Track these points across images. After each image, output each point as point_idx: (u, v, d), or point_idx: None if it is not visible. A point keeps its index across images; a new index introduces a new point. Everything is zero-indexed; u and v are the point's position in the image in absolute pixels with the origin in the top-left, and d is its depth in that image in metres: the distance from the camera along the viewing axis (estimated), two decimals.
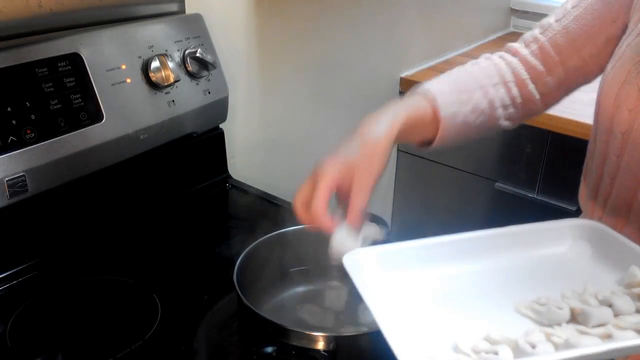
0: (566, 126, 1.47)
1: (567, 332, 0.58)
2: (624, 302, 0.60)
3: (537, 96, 0.87)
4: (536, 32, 0.87)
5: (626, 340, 0.56)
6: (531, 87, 0.86)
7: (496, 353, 0.55)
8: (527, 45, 0.88)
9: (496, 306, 0.64)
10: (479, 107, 0.82)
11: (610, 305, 0.60)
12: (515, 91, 0.86)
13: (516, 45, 0.89)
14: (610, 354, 0.55)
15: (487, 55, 0.90)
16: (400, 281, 0.67)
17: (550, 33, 0.85)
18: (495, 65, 0.87)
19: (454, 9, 1.90)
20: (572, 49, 0.84)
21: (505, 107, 0.85)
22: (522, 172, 1.66)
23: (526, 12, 2.19)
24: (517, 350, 0.56)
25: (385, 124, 0.72)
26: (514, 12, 2.23)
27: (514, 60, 0.87)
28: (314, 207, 0.67)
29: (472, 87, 0.82)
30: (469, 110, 0.80)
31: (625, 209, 0.79)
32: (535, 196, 1.64)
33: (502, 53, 0.90)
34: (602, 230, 0.71)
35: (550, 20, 0.86)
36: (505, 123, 0.87)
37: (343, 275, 0.87)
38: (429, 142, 0.81)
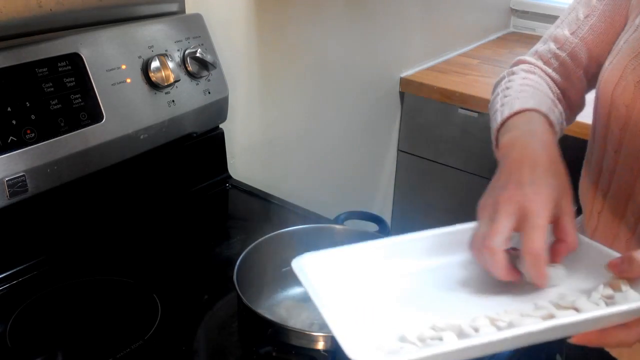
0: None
1: (511, 316, 0.58)
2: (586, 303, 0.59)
3: (568, 109, 0.87)
4: (552, 47, 0.86)
5: (565, 317, 0.56)
6: (564, 102, 0.86)
7: (441, 339, 0.55)
8: (546, 63, 0.87)
9: (449, 300, 0.64)
10: (560, 120, 0.80)
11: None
12: (562, 105, 0.85)
13: (535, 62, 0.87)
14: (550, 333, 0.55)
15: (524, 67, 0.86)
16: (354, 281, 0.66)
17: (568, 47, 0.85)
18: (542, 79, 0.85)
19: (454, 9, 1.90)
20: (592, 59, 0.84)
21: (563, 120, 0.84)
22: None
23: (526, 12, 2.20)
24: (461, 335, 0.55)
25: (552, 145, 0.67)
26: (514, 12, 2.23)
27: (545, 76, 0.86)
28: (537, 249, 0.58)
29: (549, 101, 0.79)
30: (560, 125, 0.79)
31: (623, 204, 0.80)
32: None
33: (530, 67, 0.87)
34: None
35: (564, 32, 0.85)
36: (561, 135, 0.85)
37: None
38: None
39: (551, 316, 0.57)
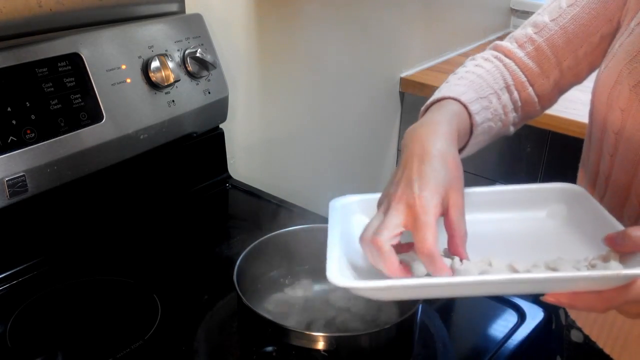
0: (566, 126, 1.47)
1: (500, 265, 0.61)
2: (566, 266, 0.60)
3: (535, 99, 0.85)
4: (529, 31, 0.85)
5: (536, 273, 0.58)
6: (530, 90, 0.84)
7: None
8: (520, 46, 0.85)
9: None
10: (497, 112, 0.79)
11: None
12: (516, 95, 0.83)
13: (508, 46, 0.86)
14: (520, 285, 0.58)
15: (484, 55, 0.86)
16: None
17: (546, 33, 0.83)
18: (497, 67, 0.84)
19: (454, 9, 1.90)
20: (569, 49, 0.83)
21: (511, 111, 0.83)
22: (522, 172, 1.66)
23: (526, 12, 2.19)
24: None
25: (448, 135, 0.67)
26: (514, 12, 2.23)
27: (511, 63, 0.84)
28: (428, 249, 0.58)
29: (487, 92, 0.79)
30: (490, 117, 0.78)
31: (619, 207, 0.80)
32: None
33: (497, 54, 0.86)
34: (580, 194, 0.72)
35: (544, 19, 0.84)
36: (512, 128, 0.85)
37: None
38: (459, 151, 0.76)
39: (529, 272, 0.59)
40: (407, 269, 0.61)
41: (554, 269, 0.60)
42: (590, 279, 0.55)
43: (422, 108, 0.76)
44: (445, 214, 0.62)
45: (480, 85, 0.78)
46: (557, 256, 0.62)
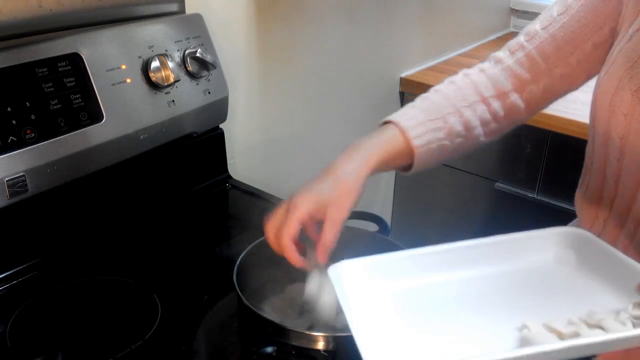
0: (566, 126, 1.47)
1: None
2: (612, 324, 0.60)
3: (522, 105, 0.86)
4: (521, 39, 0.87)
5: (591, 337, 0.57)
6: (514, 97, 0.85)
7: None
8: (512, 53, 0.87)
9: (478, 316, 0.65)
10: (454, 130, 0.82)
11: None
12: (496, 105, 0.85)
13: (500, 55, 0.88)
14: (575, 351, 0.56)
15: (466, 70, 0.89)
16: (383, 291, 0.69)
17: (536, 41, 0.85)
18: (472, 82, 0.85)
19: (454, 9, 1.90)
20: (559, 56, 0.84)
21: (485, 123, 0.84)
22: (522, 172, 1.66)
23: (526, 12, 2.19)
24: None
25: (359, 162, 0.75)
26: (514, 12, 2.23)
27: (496, 72, 0.86)
28: (283, 239, 0.70)
29: (446, 111, 0.82)
30: (443, 136, 0.81)
31: (625, 211, 0.80)
32: (535, 196, 1.64)
33: (484, 65, 0.89)
34: (587, 238, 0.71)
35: (535, 27, 0.86)
36: (485, 139, 0.86)
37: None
38: (407, 168, 0.82)
39: (577, 334, 0.58)
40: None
41: (598, 326, 0.59)
42: None
43: (380, 121, 0.83)
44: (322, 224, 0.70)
45: (438, 106, 0.83)
46: (589, 309, 0.62)
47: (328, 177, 0.74)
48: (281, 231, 0.70)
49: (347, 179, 0.73)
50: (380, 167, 0.76)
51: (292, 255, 0.71)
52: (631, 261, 0.65)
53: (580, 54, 0.83)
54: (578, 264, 0.71)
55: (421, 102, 0.84)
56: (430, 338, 0.62)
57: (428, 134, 0.79)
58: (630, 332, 0.57)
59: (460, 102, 0.83)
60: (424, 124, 0.80)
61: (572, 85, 0.86)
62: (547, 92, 0.86)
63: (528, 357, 0.54)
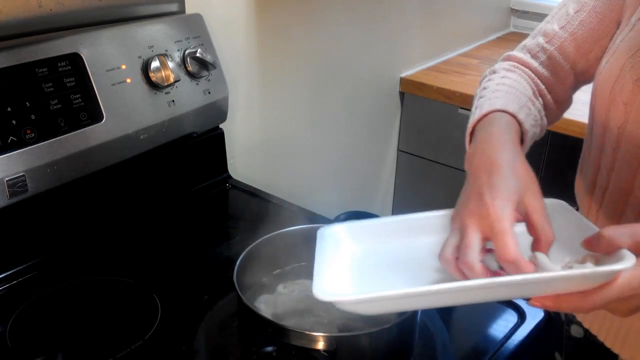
0: (566, 126, 1.47)
1: None
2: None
3: (554, 105, 0.87)
4: (541, 41, 0.86)
5: (514, 276, 0.57)
6: (549, 97, 0.86)
7: None
8: (534, 57, 0.87)
9: (429, 273, 0.66)
10: (537, 118, 0.80)
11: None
12: (541, 101, 0.85)
13: (522, 57, 0.87)
14: (501, 289, 0.58)
15: (504, 66, 0.87)
16: (352, 250, 0.73)
17: (557, 41, 0.85)
18: (521, 76, 0.85)
19: (454, 9, 1.90)
20: (580, 54, 0.84)
21: (544, 116, 0.84)
22: None
23: (526, 12, 2.20)
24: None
25: (514, 147, 0.68)
26: (514, 12, 2.23)
27: (529, 72, 0.86)
28: (512, 256, 0.57)
29: (524, 100, 0.79)
30: (533, 123, 0.78)
31: (622, 201, 0.80)
32: None
33: (514, 64, 0.87)
34: (562, 206, 0.71)
35: (553, 27, 0.85)
36: (541, 134, 0.85)
37: None
38: None
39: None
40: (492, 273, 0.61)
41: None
42: (569, 279, 0.56)
43: (469, 127, 0.76)
44: (526, 219, 0.61)
45: (516, 94, 0.79)
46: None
47: (502, 173, 0.63)
48: (503, 253, 0.57)
49: (521, 166, 0.65)
50: None
51: (527, 266, 0.58)
52: (592, 225, 0.64)
53: (599, 50, 0.83)
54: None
55: (495, 92, 0.79)
56: (376, 283, 0.67)
57: (527, 119, 0.76)
58: (553, 273, 0.56)
59: (527, 92, 0.82)
60: (521, 109, 0.76)
61: (590, 79, 0.86)
62: (572, 90, 0.88)
63: (457, 290, 0.57)
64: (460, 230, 0.61)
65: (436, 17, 1.83)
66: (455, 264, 0.60)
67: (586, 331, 0.90)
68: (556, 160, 1.58)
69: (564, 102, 0.89)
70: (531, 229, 0.61)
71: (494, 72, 0.87)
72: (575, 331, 0.92)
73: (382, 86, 1.72)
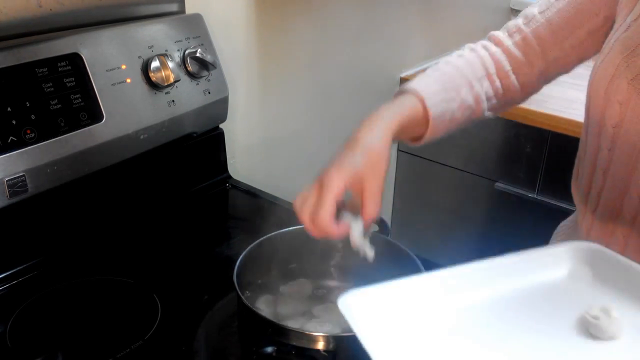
0: (566, 126, 1.47)
1: None
2: None
3: (518, 86, 0.88)
4: (519, 22, 0.88)
5: None
6: (512, 78, 0.87)
7: None
8: (510, 35, 0.88)
9: (501, 338, 0.62)
10: (466, 102, 0.83)
11: None
12: (498, 83, 0.87)
13: (500, 35, 0.89)
14: None
15: (471, 45, 0.90)
16: (398, 318, 0.64)
17: (533, 24, 0.86)
18: (480, 57, 0.87)
19: (453, 9, 1.90)
20: (554, 41, 0.85)
21: (489, 99, 0.87)
22: (522, 172, 1.66)
23: None
24: None
25: (382, 129, 0.75)
26: (514, 12, 2.23)
27: (497, 51, 0.88)
28: (321, 219, 0.68)
29: (458, 82, 0.83)
30: (456, 107, 0.82)
31: (618, 202, 0.80)
32: (535, 196, 1.64)
33: (486, 42, 0.90)
34: (601, 252, 0.70)
35: (534, 10, 0.87)
36: (488, 114, 0.88)
37: (341, 272, 0.88)
38: (418, 138, 0.83)
39: None
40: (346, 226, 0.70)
41: None
42: None
43: (395, 91, 0.84)
44: (361, 194, 0.70)
45: (452, 77, 0.84)
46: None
47: (355, 148, 0.72)
48: (318, 213, 0.68)
49: (375, 147, 0.72)
50: (399, 133, 0.76)
51: (334, 232, 0.68)
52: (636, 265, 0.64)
53: (575, 40, 0.85)
54: (594, 279, 0.69)
55: (433, 72, 0.85)
56: None
57: (443, 103, 0.80)
58: None
59: (470, 75, 0.85)
60: (438, 93, 0.81)
61: (564, 68, 0.88)
62: (541, 75, 0.89)
63: None
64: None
65: (436, 17, 1.83)
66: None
67: None
68: (556, 160, 1.58)
69: (530, 86, 0.90)
70: (361, 206, 0.70)
71: (461, 49, 0.91)
72: None
73: (382, 86, 1.72)
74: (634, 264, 0.67)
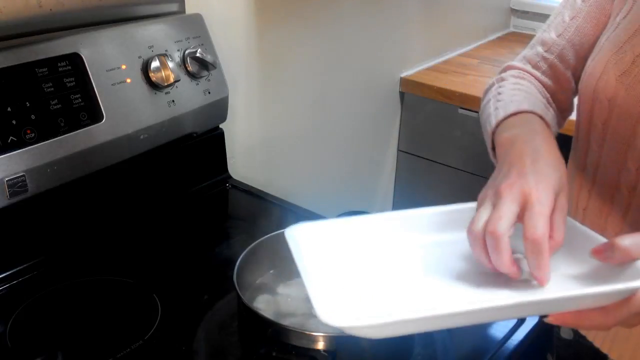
0: (566, 126, 1.46)
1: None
2: None
3: (558, 112, 0.88)
4: (540, 50, 0.87)
5: (537, 294, 0.56)
6: (554, 105, 0.87)
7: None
8: (535, 67, 0.88)
9: (438, 283, 0.63)
10: (554, 124, 0.81)
11: None
12: (553, 107, 0.87)
13: (523, 67, 0.88)
14: (522, 308, 0.56)
15: (511, 73, 0.87)
16: (347, 252, 0.66)
17: (556, 49, 0.86)
18: (531, 83, 0.86)
19: (454, 9, 1.90)
20: (579, 60, 0.85)
21: (555, 125, 0.84)
22: None
23: (526, 12, 2.20)
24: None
25: (554, 142, 0.67)
26: (514, 12, 2.23)
27: (536, 81, 0.87)
28: (539, 236, 0.55)
29: (542, 103, 0.80)
30: (555, 128, 0.81)
31: (609, 198, 0.80)
32: None
33: (519, 72, 0.88)
34: None
35: (551, 35, 0.86)
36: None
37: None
38: None
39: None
40: (517, 265, 0.59)
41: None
42: (592, 297, 0.54)
43: (493, 123, 0.75)
44: (550, 215, 0.59)
45: (534, 98, 0.79)
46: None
47: (544, 157, 0.62)
48: (535, 229, 0.55)
49: (562, 161, 0.63)
50: None
51: (512, 268, 0.57)
52: (586, 229, 0.63)
53: None
54: None
55: (513, 97, 0.78)
56: (384, 295, 0.61)
57: (553, 122, 0.79)
58: (580, 291, 0.56)
59: (540, 97, 0.83)
60: (544, 112, 0.76)
61: None
62: (573, 96, 0.89)
63: (478, 312, 0.54)
64: (494, 201, 0.59)
65: (436, 17, 1.83)
66: (483, 240, 0.57)
67: (575, 332, 0.90)
68: None
69: (567, 110, 0.90)
70: (550, 226, 0.58)
71: (503, 79, 0.86)
72: (564, 332, 0.92)
73: (382, 86, 1.72)
74: (579, 224, 0.65)
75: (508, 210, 0.57)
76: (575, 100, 0.91)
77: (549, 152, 0.64)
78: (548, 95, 0.86)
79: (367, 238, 0.68)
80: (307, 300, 0.84)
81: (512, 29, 2.24)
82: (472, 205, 0.65)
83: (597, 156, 0.81)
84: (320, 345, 0.70)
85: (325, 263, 0.64)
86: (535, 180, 0.59)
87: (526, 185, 0.58)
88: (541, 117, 0.73)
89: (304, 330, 0.72)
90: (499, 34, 2.17)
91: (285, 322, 0.76)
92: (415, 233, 0.69)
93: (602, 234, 0.63)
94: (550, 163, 0.62)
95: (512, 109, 0.74)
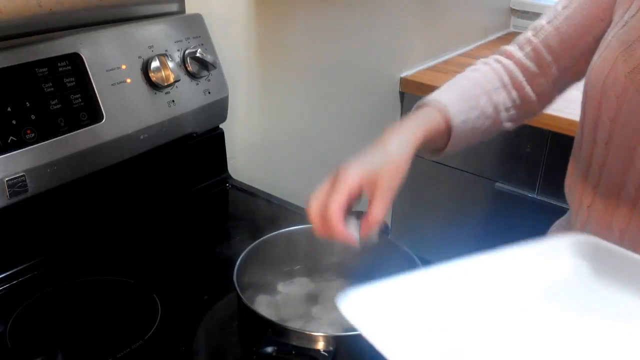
0: (566, 126, 1.47)
1: None
2: None
3: (534, 97, 0.90)
4: (529, 34, 0.90)
5: None
6: (527, 89, 0.89)
7: None
8: (521, 48, 0.91)
9: (504, 333, 0.61)
10: (486, 112, 0.85)
11: None
12: (514, 93, 0.89)
13: (510, 48, 0.92)
14: None
15: (484, 60, 0.92)
16: (399, 315, 0.62)
17: (542, 34, 0.88)
18: (493, 69, 0.90)
19: (453, 9, 1.90)
20: (564, 49, 0.87)
21: (507, 109, 0.88)
22: (522, 172, 1.66)
23: (526, 12, 2.19)
24: None
25: (406, 138, 0.76)
26: (514, 12, 2.23)
27: (510, 63, 0.90)
28: (330, 211, 0.67)
29: (477, 93, 0.85)
30: (476, 116, 0.84)
31: (614, 195, 0.80)
32: (535, 196, 1.64)
33: (498, 56, 0.92)
34: (597, 244, 0.68)
35: (542, 22, 0.89)
36: (507, 125, 0.90)
37: (341, 272, 0.88)
38: (440, 150, 0.84)
39: None
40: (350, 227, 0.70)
41: None
42: None
43: (415, 105, 0.86)
44: (370, 193, 0.70)
45: (470, 87, 0.85)
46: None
47: (377, 150, 0.74)
48: (328, 201, 0.68)
49: (396, 153, 0.74)
50: (422, 146, 0.78)
51: (340, 229, 0.67)
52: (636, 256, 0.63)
53: (583, 47, 0.86)
54: (595, 274, 0.67)
55: (451, 85, 0.87)
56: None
57: (464, 112, 0.82)
58: None
59: (487, 85, 0.87)
60: (458, 102, 0.82)
61: (576, 76, 0.89)
62: (555, 85, 0.90)
63: None
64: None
65: (436, 17, 1.83)
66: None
67: None
68: (556, 160, 1.58)
69: (546, 96, 0.91)
70: (369, 202, 0.70)
71: (474, 64, 0.92)
72: None
73: (382, 86, 1.72)
74: (630, 254, 0.65)
75: (324, 187, 0.71)
76: (574, 97, 0.91)
77: (388, 142, 0.75)
78: (522, 78, 0.88)
79: (419, 297, 0.64)
80: (307, 300, 0.84)
81: (512, 29, 2.24)
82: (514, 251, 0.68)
83: (603, 154, 0.81)
84: (320, 345, 0.70)
85: (387, 330, 0.60)
86: (352, 164, 0.71)
87: (343, 168, 0.71)
88: (441, 109, 0.81)
89: (304, 330, 0.72)
90: (499, 34, 2.17)
91: (285, 322, 0.76)
92: (466, 285, 0.66)
93: (606, 238, 0.63)
94: (379, 151, 0.73)
95: (424, 100, 0.84)
